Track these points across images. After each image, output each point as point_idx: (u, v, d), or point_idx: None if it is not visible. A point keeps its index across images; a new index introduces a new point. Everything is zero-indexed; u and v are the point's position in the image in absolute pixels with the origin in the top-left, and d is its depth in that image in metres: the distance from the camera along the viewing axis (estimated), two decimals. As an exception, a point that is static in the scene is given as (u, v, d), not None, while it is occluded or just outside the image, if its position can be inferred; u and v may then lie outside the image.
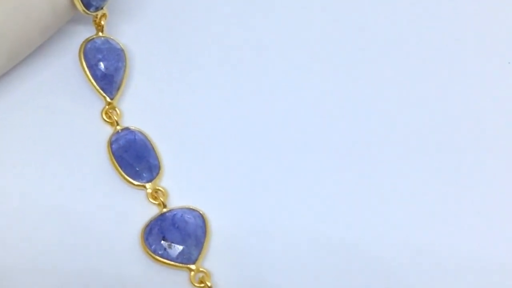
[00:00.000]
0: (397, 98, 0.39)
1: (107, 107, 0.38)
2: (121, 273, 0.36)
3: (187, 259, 0.36)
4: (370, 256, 0.36)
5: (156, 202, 0.37)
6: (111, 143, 0.38)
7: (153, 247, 0.36)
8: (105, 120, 0.38)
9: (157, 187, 0.37)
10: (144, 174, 0.37)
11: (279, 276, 0.36)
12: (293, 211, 0.37)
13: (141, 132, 0.38)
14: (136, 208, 0.37)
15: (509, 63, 0.41)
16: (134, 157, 0.37)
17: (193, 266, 0.36)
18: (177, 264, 0.36)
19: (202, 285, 0.36)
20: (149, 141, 0.38)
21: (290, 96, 0.39)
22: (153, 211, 0.37)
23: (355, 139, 0.38)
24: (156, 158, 0.38)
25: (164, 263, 0.36)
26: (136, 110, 0.39)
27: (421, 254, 0.36)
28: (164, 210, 0.37)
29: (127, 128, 0.38)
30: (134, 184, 0.37)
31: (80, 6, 0.38)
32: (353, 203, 0.37)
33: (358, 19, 0.41)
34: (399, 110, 0.39)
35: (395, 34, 0.41)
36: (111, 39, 0.39)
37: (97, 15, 0.39)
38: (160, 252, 0.36)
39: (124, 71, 0.39)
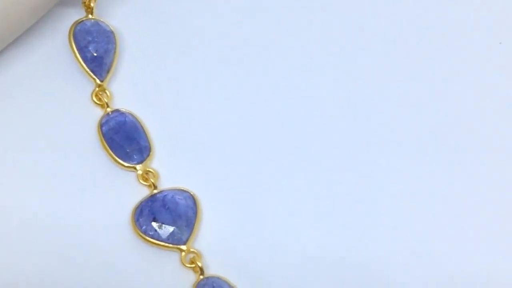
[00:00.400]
0: (397, 98, 0.39)
1: (97, 89, 0.38)
2: (111, 254, 0.35)
3: (177, 240, 0.35)
4: (369, 255, 0.36)
5: (147, 184, 0.37)
6: (101, 125, 0.37)
7: (143, 228, 0.35)
8: (95, 102, 0.38)
9: (147, 169, 0.37)
10: (134, 156, 0.37)
11: (270, 257, 0.36)
12: (286, 195, 0.37)
13: (131, 114, 0.38)
14: (127, 189, 0.37)
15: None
16: (125, 139, 0.37)
17: (184, 247, 0.35)
18: (168, 244, 0.35)
19: (193, 265, 0.35)
20: (139, 123, 0.38)
21: (288, 90, 0.39)
22: (144, 192, 0.37)
23: (354, 139, 0.38)
24: (147, 140, 0.37)
25: (155, 244, 0.35)
26: (126, 92, 0.39)
27: (422, 259, 0.36)
28: (155, 191, 0.36)
29: (117, 110, 0.38)
30: (124, 166, 0.37)
31: (69, -12, 0.38)
32: (351, 201, 0.37)
33: (358, 19, 0.41)
34: (399, 110, 0.39)
35: (395, 34, 0.41)
36: (101, 21, 0.39)
37: (86, -4, 0.39)
38: (150, 233, 0.35)
39: (114, 53, 0.39)
